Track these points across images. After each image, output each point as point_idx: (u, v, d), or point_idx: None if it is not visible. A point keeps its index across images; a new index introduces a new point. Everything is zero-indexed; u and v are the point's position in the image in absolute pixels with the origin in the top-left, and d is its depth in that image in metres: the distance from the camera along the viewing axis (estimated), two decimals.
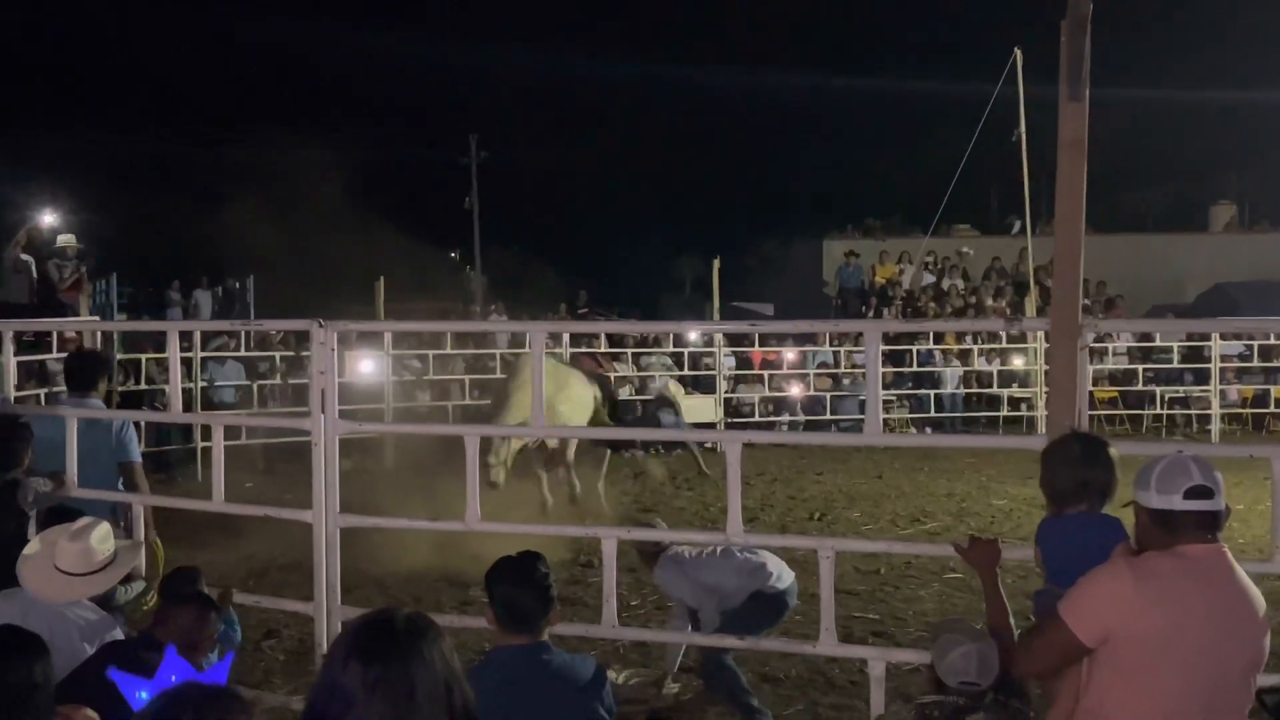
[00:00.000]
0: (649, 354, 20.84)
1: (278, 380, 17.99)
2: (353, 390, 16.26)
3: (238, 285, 25.03)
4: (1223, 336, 19.85)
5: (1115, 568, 3.44)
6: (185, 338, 15.93)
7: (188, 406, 14.98)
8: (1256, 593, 3.42)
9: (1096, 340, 20.18)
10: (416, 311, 20.37)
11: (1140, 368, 20.72)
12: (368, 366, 17.82)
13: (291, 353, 18.05)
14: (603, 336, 19.86)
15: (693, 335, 20.36)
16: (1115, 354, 21.28)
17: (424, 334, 18.74)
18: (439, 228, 43.36)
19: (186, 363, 15.91)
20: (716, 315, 20.20)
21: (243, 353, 18.01)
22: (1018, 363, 21.31)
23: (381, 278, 18.23)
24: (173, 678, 2.54)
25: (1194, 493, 3.36)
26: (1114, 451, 4.25)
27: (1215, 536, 3.39)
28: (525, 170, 46.84)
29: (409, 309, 19.90)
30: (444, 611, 8.12)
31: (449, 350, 18.91)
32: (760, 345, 20.96)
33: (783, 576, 6.64)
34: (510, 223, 45.71)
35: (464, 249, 43.53)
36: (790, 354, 21.01)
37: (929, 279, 26.38)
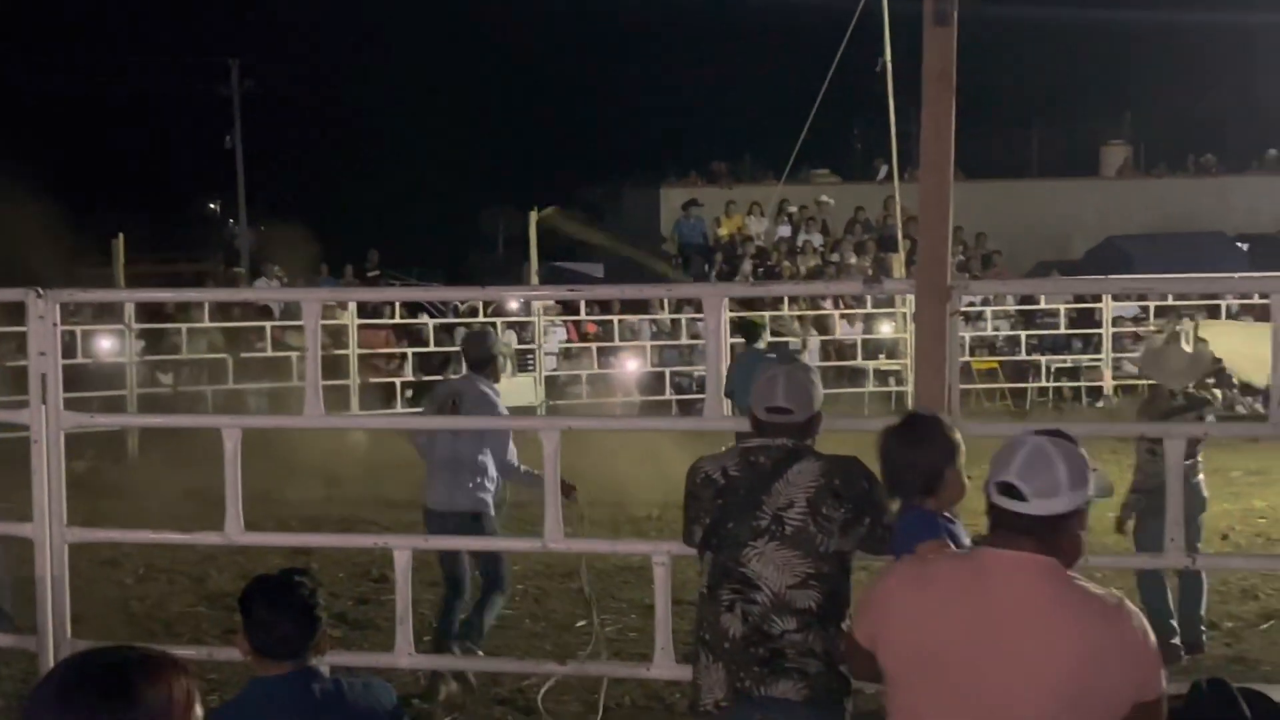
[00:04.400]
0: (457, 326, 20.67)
1: None
2: (87, 374, 15.80)
3: None
4: (1115, 297, 20.63)
5: (895, 566, 3.59)
6: None
7: None
8: (1093, 625, 3.10)
9: (972, 303, 20.79)
10: (165, 276, 19.84)
11: (1023, 334, 21.42)
12: (105, 345, 17.32)
13: (5, 329, 17.42)
14: (397, 306, 19.68)
15: (513, 304, 20.26)
16: (994, 319, 22.00)
17: (175, 304, 18.26)
18: (193, 173, 42.19)
19: None
20: (534, 278, 20.13)
21: None
22: (885, 330, 21.83)
23: (120, 234, 17.70)
24: None
25: (1003, 489, 3.21)
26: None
27: (1039, 545, 3.15)
28: (300, 103, 45.71)
29: (156, 273, 19.37)
30: (205, 641, 8.02)
31: (206, 324, 18.47)
32: (586, 314, 21.03)
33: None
34: (283, 167, 44.64)
35: (226, 199, 42.51)
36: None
37: (784, 232, 26.82)
